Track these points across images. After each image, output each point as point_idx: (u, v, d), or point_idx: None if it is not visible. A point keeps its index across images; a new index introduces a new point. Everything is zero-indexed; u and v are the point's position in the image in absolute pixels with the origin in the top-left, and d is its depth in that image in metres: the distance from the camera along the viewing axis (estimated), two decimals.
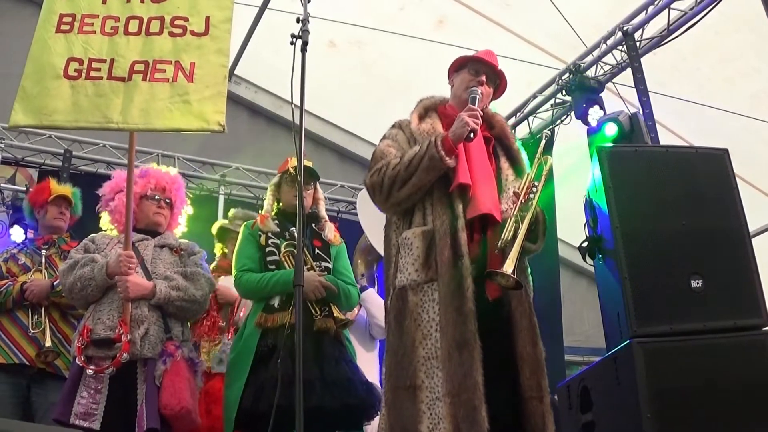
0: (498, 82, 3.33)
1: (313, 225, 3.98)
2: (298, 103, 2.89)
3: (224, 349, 4.44)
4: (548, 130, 3.26)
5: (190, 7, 3.41)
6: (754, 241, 3.39)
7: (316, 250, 3.85)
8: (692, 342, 3.06)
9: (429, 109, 3.32)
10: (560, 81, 6.89)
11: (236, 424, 3.50)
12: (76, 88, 3.26)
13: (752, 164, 6.56)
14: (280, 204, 4.07)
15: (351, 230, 6.53)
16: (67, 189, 4.82)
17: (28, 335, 4.23)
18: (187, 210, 4.17)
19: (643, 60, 6.11)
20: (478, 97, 3.12)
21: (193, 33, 3.34)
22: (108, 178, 4.12)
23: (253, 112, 8.67)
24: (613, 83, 6.65)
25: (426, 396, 2.76)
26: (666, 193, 3.35)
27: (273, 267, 3.76)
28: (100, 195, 3.96)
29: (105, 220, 3.95)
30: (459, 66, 3.34)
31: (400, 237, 3.05)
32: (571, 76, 6.53)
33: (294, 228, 3.86)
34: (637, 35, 6.19)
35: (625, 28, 6.21)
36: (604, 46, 6.49)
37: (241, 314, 4.42)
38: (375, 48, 7.39)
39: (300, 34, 3.00)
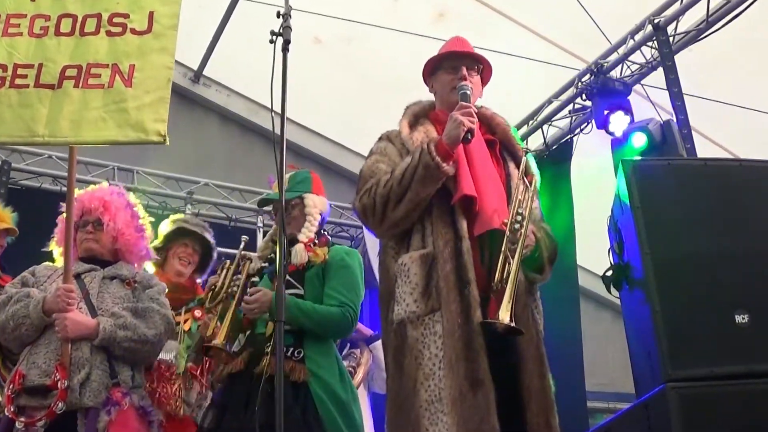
0: (480, 67, 3.36)
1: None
2: (279, 111, 2.87)
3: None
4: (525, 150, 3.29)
5: (131, 2, 3.43)
6: None
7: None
8: (736, 387, 3.02)
9: (419, 115, 3.35)
10: (580, 83, 6.89)
11: None
12: None
13: None
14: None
15: None
16: None
17: None
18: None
19: (677, 58, 6.11)
20: (468, 92, 3.14)
21: (133, 31, 3.37)
22: (52, 194, 4.09)
23: (225, 119, 8.77)
24: (642, 85, 6.66)
25: None
26: (704, 213, 3.32)
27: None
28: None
29: (56, 253, 3.95)
30: (433, 68, 3.39)
31: (397, 264, 3.06)
32: (593, 77, 6.53)
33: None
34: (670, 29, 6.20)
35: (656, 21, 6.21)
36: (631, 42, 6.52)
37: None
38: (366, 45, 7.44)
39: (281, 30, 2.98)
